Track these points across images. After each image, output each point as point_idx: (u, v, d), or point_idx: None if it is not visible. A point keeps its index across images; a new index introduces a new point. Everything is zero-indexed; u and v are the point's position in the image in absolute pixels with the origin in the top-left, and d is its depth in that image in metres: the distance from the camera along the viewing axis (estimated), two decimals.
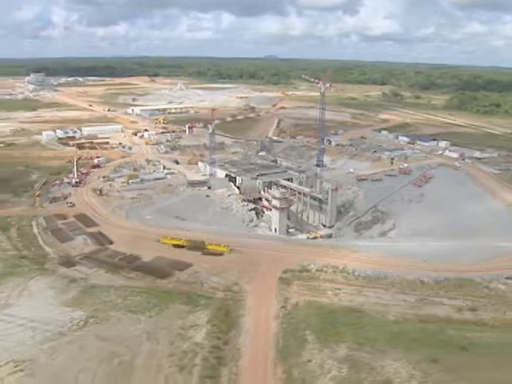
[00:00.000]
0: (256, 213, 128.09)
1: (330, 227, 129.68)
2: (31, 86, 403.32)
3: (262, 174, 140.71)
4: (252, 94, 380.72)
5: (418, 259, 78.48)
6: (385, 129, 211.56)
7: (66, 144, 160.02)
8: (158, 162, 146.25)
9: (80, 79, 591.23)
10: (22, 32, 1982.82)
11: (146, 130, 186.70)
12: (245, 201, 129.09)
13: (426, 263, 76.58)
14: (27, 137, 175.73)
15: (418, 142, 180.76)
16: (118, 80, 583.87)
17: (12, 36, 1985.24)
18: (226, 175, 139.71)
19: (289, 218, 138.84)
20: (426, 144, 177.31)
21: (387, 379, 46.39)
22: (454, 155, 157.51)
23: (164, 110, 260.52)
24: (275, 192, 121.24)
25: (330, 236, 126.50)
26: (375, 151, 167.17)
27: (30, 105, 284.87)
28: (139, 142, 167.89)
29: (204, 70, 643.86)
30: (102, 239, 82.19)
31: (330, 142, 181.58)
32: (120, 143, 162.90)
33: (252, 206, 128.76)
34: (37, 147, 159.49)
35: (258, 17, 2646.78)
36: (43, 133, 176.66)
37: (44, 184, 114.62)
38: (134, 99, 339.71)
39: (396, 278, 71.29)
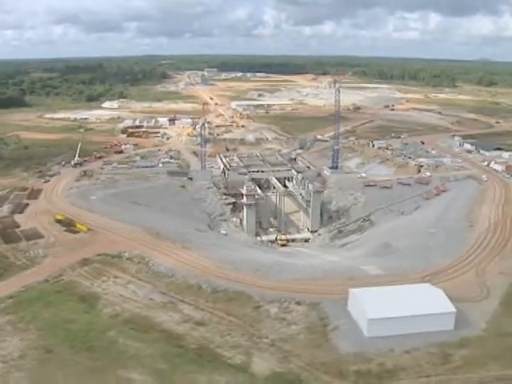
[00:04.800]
0: (235, 208, 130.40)
1: (313, 232, 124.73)
2: (187, 80, 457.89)
3: (258, 171, 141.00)
4: (381, 93, 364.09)
5: (244, 268, 74.33)
6: (469, 135, 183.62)
7: (125, 132, 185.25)
8: (179, 152, 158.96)
9: (248, 75, 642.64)
10: (236, 31, 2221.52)
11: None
12: (226, 195, 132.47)
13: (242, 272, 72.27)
14: (112, 124, 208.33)
15: (481, 151, 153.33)
16: (282, 77, 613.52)
17: (228, 34, 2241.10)
18: (222, 169, 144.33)
19: (275, 217, 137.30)
20: (487, 153, 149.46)
21: None
22: (499, 167, 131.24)
23: (259, 105, 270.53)
24: (244, 188, 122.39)
25: (306, 241, 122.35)
26: (410, 157, 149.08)
27: (164, 96, 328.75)
28: (183, 134, 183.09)
29: (368, 70, 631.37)
30: (19, 209, 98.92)
31: (373, 145, 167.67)
32: (164, 133, 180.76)
33: (232, 200, 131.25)
34: (104, 133, 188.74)
35: (468, 17, 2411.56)
36: (125, 121, 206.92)
37: (57, 163, 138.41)
38: (259, 95, 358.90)
39: (179, 279, 69.78)
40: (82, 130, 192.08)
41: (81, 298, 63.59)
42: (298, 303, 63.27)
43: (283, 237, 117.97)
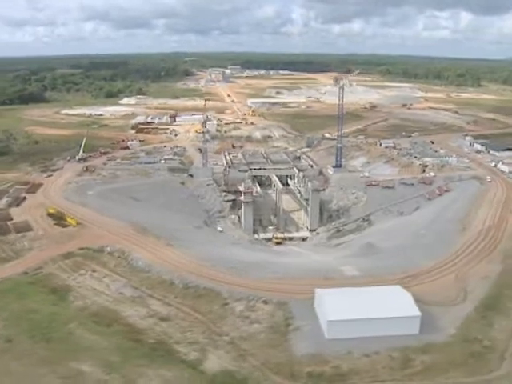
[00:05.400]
0: (235, 205, 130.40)
1: (312, 230, 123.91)
2: (209, 77, 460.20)
3: (259, 168, 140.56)
4: (400, 92, 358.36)
5: (221, 266, 74.36)
6: (482, 135, 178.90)
7: (135, 128, 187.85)
8: (184, 148, 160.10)
9: (271, 72, 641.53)
10: (264, 28, 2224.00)
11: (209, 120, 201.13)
12: (226, 192, 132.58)
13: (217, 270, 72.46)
14: (126, 120, 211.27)
15: (491, 152, 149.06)
16: (305, 75, 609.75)
17: (256, 32, 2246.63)
18: (225, 166, 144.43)
19: (275, 215, 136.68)
20: (497, 154, 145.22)
21: None
22: (506, 169, 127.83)
23: (275, 103, 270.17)
24: (241, 186, 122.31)
25: (304, 239, 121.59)
26: (416, 156, 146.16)
27: (182, 93, 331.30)
28: (191, 130, 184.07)
29: (392, 69, 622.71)
30: (16, 202, 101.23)
31: (380, 144, 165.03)
32: (173, 130, 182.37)
33: (231, 197, 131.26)
34: (117, 129, 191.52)
35: (500, 15, 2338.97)
36: (137, 117, 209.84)
37: (63, 158, 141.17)
38: (277, 92, 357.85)
39: (154, 275, 70.58)
40: (95, 126, 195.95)
41: (53, 290, 65.01)
42: (265, 302, 63.07)
43: (279, 235, 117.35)
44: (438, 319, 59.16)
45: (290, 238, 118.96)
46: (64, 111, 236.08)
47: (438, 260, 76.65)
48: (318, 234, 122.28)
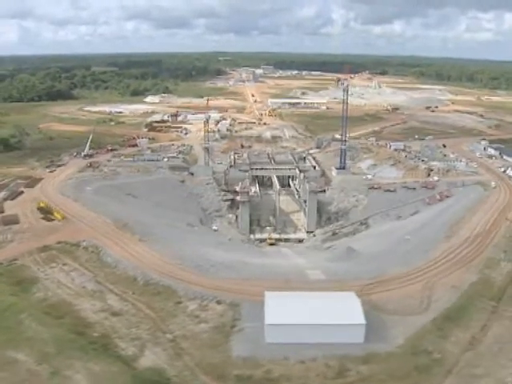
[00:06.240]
0: (234, 204, 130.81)
1: (309, 232, 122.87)
2: (238, 76, 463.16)
3: (261, 169, 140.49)
4: (428, 95, 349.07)
5: (189, 264, 74.80)
6: (501, 140, 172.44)
7: (148, 126, 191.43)
8: (191, 147, 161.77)
9: (303, 73, 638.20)
10: (303, 29, 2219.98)
11: (224, 119, 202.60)
12: (225, 191, 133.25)
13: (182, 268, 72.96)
14: (144, 118, 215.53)
15: (504, 157, 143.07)
16: (337, 76, 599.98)
17: (295, 32, 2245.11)
18: (227, 166, 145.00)
19: (274, 216, 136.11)
20: (510, 159, 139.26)
21: None
22: None
23: (296, 103, 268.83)
24: (239, 185, 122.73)
25: (300, 241, 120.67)
26: (423, 160, 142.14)
27: (208, 92, 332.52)
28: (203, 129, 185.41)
29: (426, 71, 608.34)
30: (12, 196, 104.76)
31: (390, 147, 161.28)
32: (185, 128, 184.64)
33: (230, 196, 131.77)
34: (133, 126, 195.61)
35: None
36: (153, 115, 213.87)
37: (70, 154, 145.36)
38: (302, 93, 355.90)
39: (120, 270, 71.78)
40: (112, 123, 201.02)
41: (19, 282, 67.01)
42: (219, 302, 62.98)
43: (273, 236, 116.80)
44: (390, 328, 57.34)
45: (286, 240, 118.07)
46: (87, 108, 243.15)
47: (412, 267, 74.21)
48: (314, 236, 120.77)
